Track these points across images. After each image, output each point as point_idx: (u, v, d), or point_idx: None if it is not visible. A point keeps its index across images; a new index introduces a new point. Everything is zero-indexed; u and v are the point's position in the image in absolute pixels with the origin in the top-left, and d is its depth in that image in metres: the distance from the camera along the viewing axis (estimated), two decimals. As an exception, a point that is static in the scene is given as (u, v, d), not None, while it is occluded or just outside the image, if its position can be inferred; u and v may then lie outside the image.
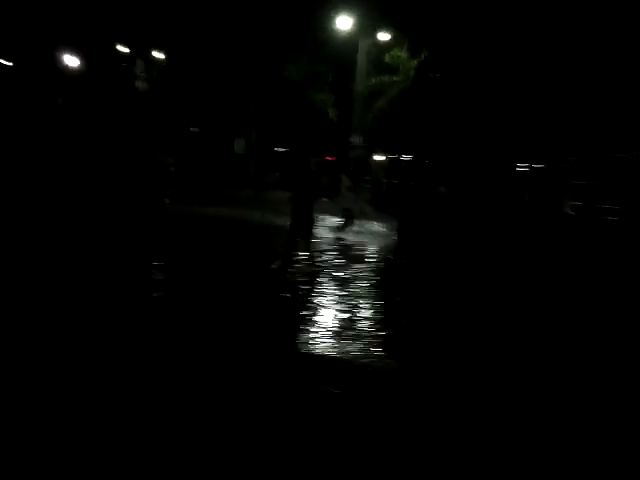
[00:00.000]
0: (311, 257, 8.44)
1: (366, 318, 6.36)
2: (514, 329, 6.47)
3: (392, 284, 8.62)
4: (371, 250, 11.76)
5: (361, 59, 25.82)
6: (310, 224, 8.16)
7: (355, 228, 12.95)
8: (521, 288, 8.99)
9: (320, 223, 15.16)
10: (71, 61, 29.22)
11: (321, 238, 12.37)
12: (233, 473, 3.05)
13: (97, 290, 6.53)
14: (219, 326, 5.60)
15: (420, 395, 4.31)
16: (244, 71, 32.12)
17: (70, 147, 13.93)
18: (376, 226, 15.39)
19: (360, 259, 10.45)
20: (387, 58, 26.88)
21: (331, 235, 12.68)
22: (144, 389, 3.97)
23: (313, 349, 5.10)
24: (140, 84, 32.18)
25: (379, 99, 27.53)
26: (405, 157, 28.33)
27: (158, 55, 33.56)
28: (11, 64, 28.91)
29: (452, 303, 7.64)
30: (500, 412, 4.09)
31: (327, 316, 6.31)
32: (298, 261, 8.68)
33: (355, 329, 5.84)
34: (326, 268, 9.06)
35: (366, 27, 25.09)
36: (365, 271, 9.30)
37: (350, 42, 26.18)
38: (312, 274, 8.29)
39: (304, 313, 6.32)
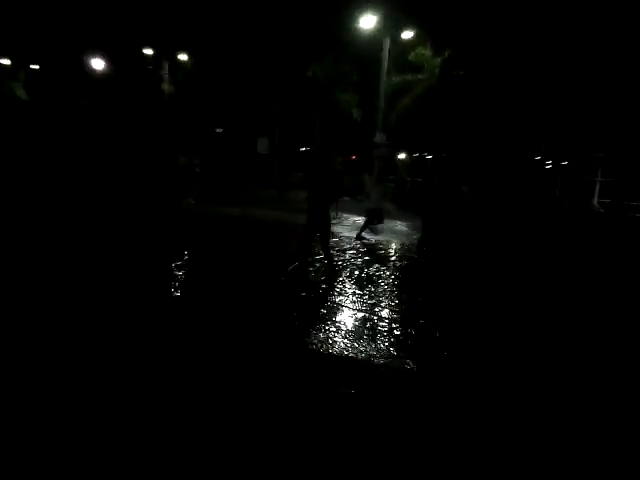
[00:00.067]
0: (330, 256, 8.42)
1: (385, 318, 6.31)
2: (541, 331, 6.35)
3: (414, 284, 8.55)
4: (393, 249, 11.68)
5: (385, 58, 25.69)
6: (326, 223, 8.12)
7: (378, 227, 12.88)
8: (549, 288, 8.82)
9: (343, 222, 15.17)
10: (97, 64, 29.79)
11: (343, 237, 12.36)
12: (244, 471, 3.06)
13: (109, 286, 6.63)
14: (236, 324, 5.62)
15: (436, 397, 4.26)
16: (268, 72, 32.31)
17: (90, 149, 14.20)
18: (399, 225, 15.30)
19: (381, 258, 10.39)
20: (411, 56, 26.74)
21: (353, 234, 12.64)
22: (156, 384, 4.01)
23: (330, 349, 5.09)
24: (166, 86, 32.65)
25: (403, 97, 27.39)
26: (429, 156, 28.13)
27: (183, 57, 33.99)
28: (38, 67, 29.64)
29: (476, 304, 7.54)
30: (518, 416, 4.02)
31: (345, 315, 6.28)
32: (317, 260, 8.68)
33: (373, 329, 5.80)
34: (346, 267, 9.04)
35: (389, 26, 24.97)
36: (386, 270, 9.24)
37: (374, 41, 26.09)
38: (331, 273, 8.27)
39: (322, 312, 6.31)
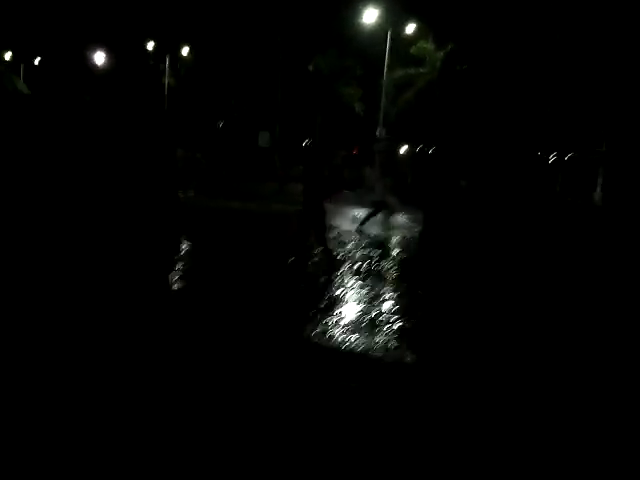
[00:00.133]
0: (327, 249, 8.41)
1: (385, 311, 6.29)
2: (541, 325, 6.33)
3: (414, 277, 8.53)
4: (394, 242, 11.66)
5: (387, 51, 25.65)
6: (320, 216, 8.08)
7: (380, 220, 12.84)
8: (550, 282, 8.80)
9: (344, 215, 15.15)
10: (99, 58, 29.75)
11: (343, 231, 12.33)
12: (247, 467, 3.06)
13: (103, 282, 6.65)
14: (235, 317, 5.62)
15: (436, 390, 4.25)
16: (270, 65, 32.23)
17: (89, 143, 14.21)
18: (400, 218, 15.28)
19: (382, 252, 10.38)
20: (413, 50, 26.64)
21: (353, 227, 12.62)
22: (158, 377, 4.02)
23: (330, 342, 5.08)
24: (168, 80, 32.60)
25: (405, 91, 27.31)
26: (430, 150, 28.06)
27: (185, 51, 33.91)
28: (40, 61, 29.64)
29: (476, 297, 7.53)
30: (520, 410, 4.01)
31: (345, 308, 6.28)
32: (317, 253, 8.68)
33: (373, 322, 5.79)
34: (346, 260, 9.03)
35: (392, 20, 24.90)
36: (386, 263, 9.24)
37: (377, 35, 26.03)
38: (329, 266, 8.27)
39: (321, 305, 6.30)
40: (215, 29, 32.18)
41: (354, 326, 5.58)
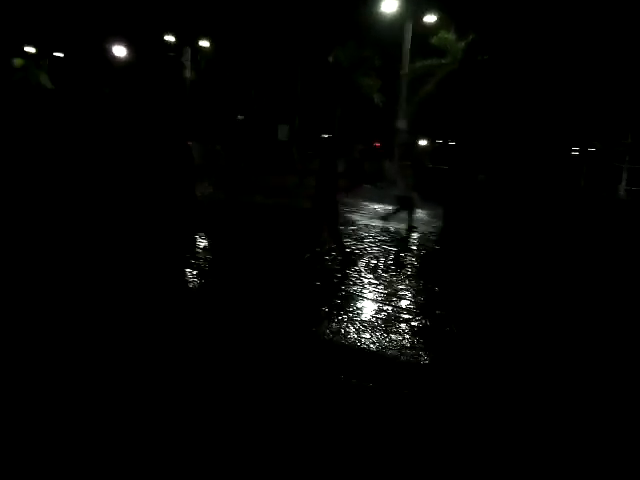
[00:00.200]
0: (342, 245, 8.37)
1: (401, 308, 6.25)
2: (562, 324, 6.23)
3: (432, 274, 8.45)
4: (413, 238, 11.56)
5: (407, 42, 25.36)
6: (333, 211, 8.03)
7: (401, 215, 12.73)
8: (573, 279, 8.65)
9: (362, 210, 15.07)
10: (119, 51, 29.96)
11: (361, 225, 12.27)
12: (254, 462, 3.07)
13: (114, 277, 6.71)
14: (248, 313, 5.64)
15: (450, 391, 4.21)
16: (290, 57, 32.17)
17: (108, 137, 14.30)
18: (420, 213, 15.14)
19: (400, 247, 10.30)
20: (434, 40, 26.18)
21: (372, 222, 12.55)
22: (169, 370, 4.05)
23: (344, 339, 5.06)
24: (188, 73, 32.71)
25: (426, 83, 26.92)
26: (451, 142, 27.73)
27: (205, 44, 33.96)
28: (61, 55, 29.96)
29: (495, 295, 7.43)
30: (535, 412, 3.95)
31: (360, 305, 6.24)
32: (334, 249, 8.64)
33: (388, 319, 5.75)
34: (363, 256, 8.99)
35: (412, 9, 24.60)
36: (404, 259, 9.17)
37: (396, 26, 25.75)
38: (344, 262, 8.24)
39: (336, 302, 6.28)
40: (235, 22, 32.21)
41: (368, 323, 5.54)
